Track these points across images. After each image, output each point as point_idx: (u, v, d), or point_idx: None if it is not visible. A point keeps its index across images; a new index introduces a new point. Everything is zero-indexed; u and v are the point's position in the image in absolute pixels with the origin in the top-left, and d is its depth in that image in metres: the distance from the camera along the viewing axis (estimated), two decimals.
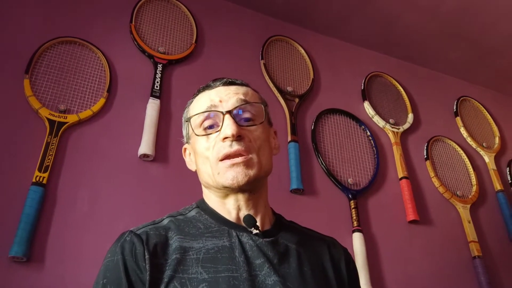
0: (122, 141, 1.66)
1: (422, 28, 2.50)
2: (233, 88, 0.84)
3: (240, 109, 0.81)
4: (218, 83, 0.86)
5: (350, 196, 1.95)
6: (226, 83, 0.86)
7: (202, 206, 0.84)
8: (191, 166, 0.89)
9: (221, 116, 0.79)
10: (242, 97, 0.82)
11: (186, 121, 0.86)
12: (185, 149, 0.91)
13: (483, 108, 2.82)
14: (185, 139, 0.90)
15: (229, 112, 0.79)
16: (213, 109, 0.81)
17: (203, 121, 0.81)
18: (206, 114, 0.81)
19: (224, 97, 0.82)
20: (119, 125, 1.69)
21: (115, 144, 1.64)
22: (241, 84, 0.87)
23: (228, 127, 0.77)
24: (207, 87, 0.86)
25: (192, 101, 0.88)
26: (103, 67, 1.78)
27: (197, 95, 0.88)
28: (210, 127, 0.81)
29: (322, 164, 1.99)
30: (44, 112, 1.55)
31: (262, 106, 0.85)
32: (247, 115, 0.82)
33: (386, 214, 2.02)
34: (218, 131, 0.79)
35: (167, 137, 1.74)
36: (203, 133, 0.81)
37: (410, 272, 1.92)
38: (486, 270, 2.02)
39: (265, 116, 0.85)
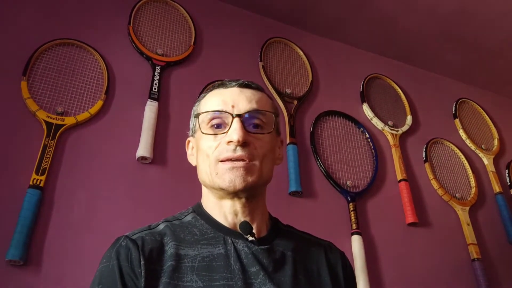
0: (120, 143, 1.65)
1: (420, 30, 2.50)
2: (247, 92, 0.83)
3: (251, 115, 0.80)
4: (233, 83, 0.84)
5: (349, 198, 1.94)
6: (242, 85, 0.84)
7: (198, 210, 0.84)
8: (191, 160, 0.88)
9: (230, 118, 0.78)
10: (255, 103, 0.81)
11: (195, 117, 0.85)
12: (188, 141, 0.89)
13: (482, 110, 2.82)
14: (190, 132, 0.89)
15: (239, 116, 0.78)
16: (223, 110, 0.80)
17: (211, 119, 0.80)
18: (215, 113, 0.80)
19: (237, 100, 0.80)
20: (117, 127, 1.68)
21: (113, 147, 1.63)
22: (257, 89, 0.86)
23: (235, 132, 0.76)
24: (222, 85, 0.85)
25: (205, 96, 0.86)
26: (101, 69, 1.78)
27: (210, 90, 0.86)
28: (218, 126, 0.80)
29: (321, 166, 1.99)
30: (42, 115, 1.54)
31: (273, 116, 0.83)
32: (256, 121, 0.80)
33: (385, 217, 2.02)
34: (224, 132, 0.78)
35: (165, 139, 1.73)
36: (210, 131, 0.80)
37: (409, 275, 1.91)
38: (485, 272, 2.02)
39: (274, 126, 0.83)
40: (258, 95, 0.84)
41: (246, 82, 0.85)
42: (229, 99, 0.81)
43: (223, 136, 0.78)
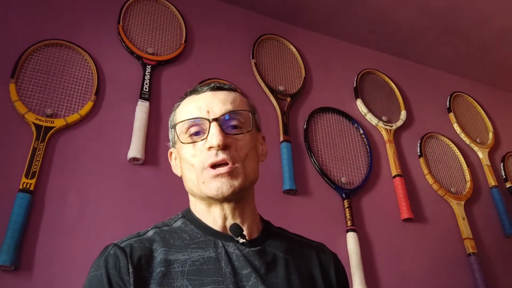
0: (111, 144, 1.63)
1: (413, 23, 2.49)
2: (221, 94, 0.82)
3: (227, 117, 0.79)
4: (205, 88, 0.83)
5: (343, 195, 1.94)
6: (214, 88, 0.83)
7: (188, 216, 0.83)
8: (176, 170, 0.87)
9: (207, 123, 0.78)
10: (229, 104, 0.80)
11: (172, 128, 0.84)
12: (170, 153, 0.89)
13: (476, 104, 2.82)
14: (170, 144, 0.88)
15: (216, 119, 0.77)
16: (199, 116, 0.79)
17: (188, 128, 0.79)
18: (191, 121, 0.79)
19: (211, 104, 0.80)
20: (107, 128, 1.67)
21: (104, 148, 1.62)
22: (229, 89, 0.85)
23: (214, 136, 0.75)
24: (194, 91, 0.84)
25: (178, 105, 0.86)
26: (91, 70, 1.75)
27: (184, 99, 0.85)
28: (196, 133, 0.79)
29: (315, 163, 1.98)
30: (31, 117, 1.52)
31: (250, 114, 0.83)
32: (234, 122, 0.80)
33: (380, 213, 2.01)
34: (204, 138, 0.77)
35: (157, 140, 1.72)
36: (189, 140, 0.79)
37: (405, 271, 1.91)
38: (481, 267, 2.02)
39: (252, 124, 0.82)
40: (232, 96, 0.83)
41: (218, 85, 0.84)
42: (203, 105, 0.80)
43: (203, 143, 0.77)
